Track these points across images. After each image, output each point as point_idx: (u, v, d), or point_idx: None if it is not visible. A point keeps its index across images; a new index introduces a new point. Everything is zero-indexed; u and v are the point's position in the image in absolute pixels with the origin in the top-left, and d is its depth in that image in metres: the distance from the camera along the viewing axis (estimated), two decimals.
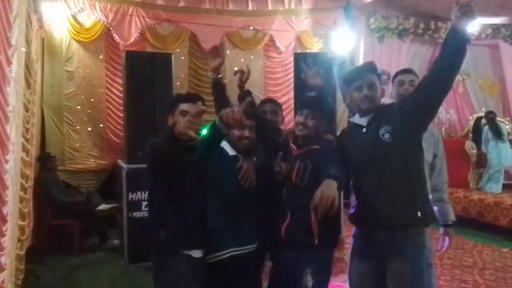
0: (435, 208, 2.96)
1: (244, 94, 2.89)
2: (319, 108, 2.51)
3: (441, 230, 3.04)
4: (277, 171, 2.47)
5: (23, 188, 3.93)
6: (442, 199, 3.00)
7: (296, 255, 2.46)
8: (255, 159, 2.60)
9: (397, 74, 3.05)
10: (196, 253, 2.39)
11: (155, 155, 2.24)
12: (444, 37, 2.20)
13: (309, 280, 2.39)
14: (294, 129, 2.59)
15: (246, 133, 2.56)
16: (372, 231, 2.34)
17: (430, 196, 2.95)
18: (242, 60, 7.29)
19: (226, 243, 2.46)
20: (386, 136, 2.28)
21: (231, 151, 2.56)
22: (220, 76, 2.80)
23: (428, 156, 2.85)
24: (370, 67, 2.44)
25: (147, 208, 4.78)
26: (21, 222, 3.79)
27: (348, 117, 2.82)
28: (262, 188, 2.56)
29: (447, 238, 3.03)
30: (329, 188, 2.08)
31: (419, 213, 2.27)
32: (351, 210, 2.46)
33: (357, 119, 2.45)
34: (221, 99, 2.76)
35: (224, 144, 2.54)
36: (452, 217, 3.00)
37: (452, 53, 2.13)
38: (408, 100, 2.36)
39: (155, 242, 2.43)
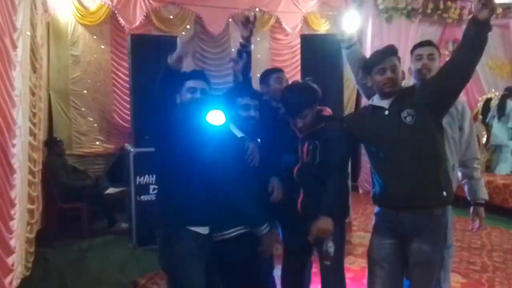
0: (465, 187, 2.95)
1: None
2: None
3: (472, 209, 2.95)
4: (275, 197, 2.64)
5: (31, 172, 3.95)
6: (472, 176, 2.94)
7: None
8: (259, 140, 2.64)
9: (415, 47, 2.96)
10: (203, 230, 2.41)
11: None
12: (465, 27, 2.24)
13: (330, 246, 2.46)
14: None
15: (252, 113, 2.58)
16: (396, 211, 2.38)
17: (460, 174, 2.97)
18: None
19: (232, 222, 2.49)
20: (408, 119, 2.32)
21: (238, 133, 2.57)
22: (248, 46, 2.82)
23: (453, 131, 2.83)
24: (392, 51, 2.45)
25: (155, 191, 4.81)
26: (30, 206, 3.83)
27: (357, 99, 2.82)
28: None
29: (477, 218, 2.93)
30: (323, 224, 2.38)
31: (444, 193, 2.33)
32: (374, 190, 2.50)
33: (378, 101, 2.47)
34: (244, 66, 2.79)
35: (232, 127, 2.57)
36: (483, 195, 2.92)
37: (473, 43, 2.19)
38: (430, 85, 2.38)
39: (162, 216, 2.46)
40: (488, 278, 4.13)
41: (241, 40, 2.84)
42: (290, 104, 2.61)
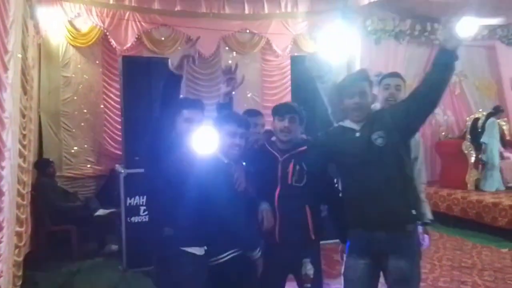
0: None
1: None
2: (297, 112, 2.67)
3: (421, 229, 3.00)
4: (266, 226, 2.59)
5: (20, 195, 3.91)
6: (421, 200, 3.01)
7: (292, 252, 2.57)
8: (244, 163, 2.64)
9: (384, 77, 3.09)
10: (199, 251, 2.44)
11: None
12: (435, 55, 2.39)
13: (309, 268, 2.49)
14: (263, 134, 2.85)
15: (237, 141, 2.57)
16: (370, 230, 2.43)
17: None
18: (238, 64, 7.29)
19: (226, 246, 2.50)
20: (379, 141, 2.39)
21: (224, 159, 2.58)
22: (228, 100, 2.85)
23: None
24: (362, 76, 2.55)
25: (145, 213, 4.78)
26: (18, 229, 3.78)
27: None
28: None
29: (426, 236, 3.02)
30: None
31: (413, 211, 2.44)
32: (347, 214, 2.54)
33: (349, 123, 2.54)
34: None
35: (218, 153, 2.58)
36: (429, 215, 3.01)
37: (441, 71, 2.33)
38: (400, 108, 2.48)
39: (158, 240, 2.45)
40: None
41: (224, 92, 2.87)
42: (282, 105, 2.71)
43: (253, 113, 3.34)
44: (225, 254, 2.50)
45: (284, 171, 2.59)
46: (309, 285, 2.53)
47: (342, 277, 2.59)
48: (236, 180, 2.54)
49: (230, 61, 7.18)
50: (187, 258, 2.39)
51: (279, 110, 2.68)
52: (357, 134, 2.47)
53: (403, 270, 2.37)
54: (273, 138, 2.74)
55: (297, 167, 2.57)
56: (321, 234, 2.70)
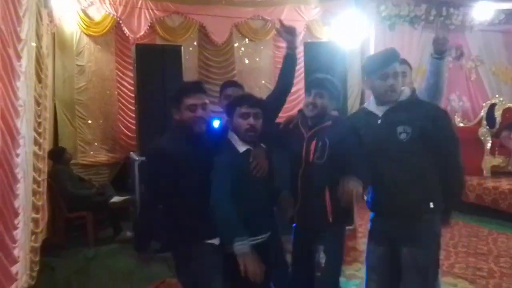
0: None
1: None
2: (326, 87, 2.56)
3: None
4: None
5: (36, 182, 3.97)
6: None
7: (310, 235, 2.55)
8: (263, 146, 2.57)
9: None
10: (216, 241, 2.43)
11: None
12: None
13: (321, 257, 2.48)
14: (297, 114, 2.68)
15: (251, 121, 2.47)
16: (388, 217, 2.45)
17: None
18: (251, 51, 7.28)
19: (243, 233, 2.45)
20: (403, 135, 2.33)
21: (240, 146, 2.51)
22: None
23: None
24: (394, 55, 2.45)
25: None
26: (34, 215, 3.84)
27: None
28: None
29: None
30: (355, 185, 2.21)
31: (431, 204, 2.37)
32: (368, 196, 2.55)
33: (373, 107, 2.48)
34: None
35: (232, 138, 2.53)
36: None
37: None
38: (435, 127, 2.36)
39: (177, 234, 2.46)
40: (495, 284, 4.09)
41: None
42: (311, 80, 2.64)
43: (228, 85, 3.22)
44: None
45: (308, 148, 2.52)
46: (319, 273, 2.51)
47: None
48: (254, 167, 2.47)
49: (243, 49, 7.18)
50: (208, 248, 2.40)
51: (308, 85, 2.65)
52: (379, 121, 2.41)
53: (417, 258, 2.36)
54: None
55: (320, 143, 2.49)
56: (342, 219, 2.61)
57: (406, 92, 2.47)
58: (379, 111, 2.43)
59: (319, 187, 2.48)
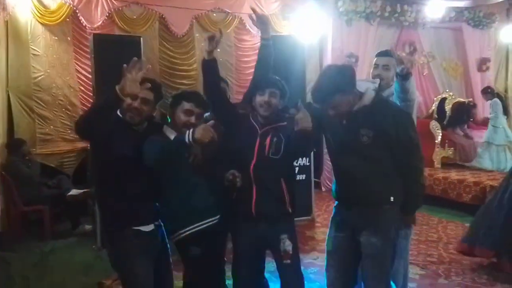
0: None
1: (219, 80, 2.89)
2: (278, 86, 2.66)
3: None
4: (231, 180, 2.56)
5: None
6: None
7: (269, 226, 2.62)
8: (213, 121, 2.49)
9: (375, 55, 3.15)
10: (146, 228, 2.48)
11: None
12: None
13: (288, 244, 2.58)
14: (247, 107, 2.74)
15: (192, 119, 2.54)
16: (350, 206, 2.54)
17: None
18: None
19: (187, 220, 2.54)
20: (365, 138, 2.40)
21: (171, 135, 2.55)
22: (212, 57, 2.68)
23: None
24: (331, 88, 2.42)
25: None
26: None
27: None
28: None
29: None
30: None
31: (392, 198, 2.47)
32: (333, 186, 2.66)
33: None
34: (214, 79, 2.73)
35: (165, 129, 2.60)
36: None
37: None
38: (397, 137, 2.42)
39: (103, 218, 2.54)
40: (445, 269, 4.32)
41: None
42: (262, 80, 2.72)
43: None
44: (184, 230, 2.53)
45: (262, 143, 2.61)
46: (288, 261, 2.61)
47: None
48: (189, 155, 2.53)
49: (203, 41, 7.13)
50: (131, 232, 2.44)
51: (260, 85, 2.68)
52: (344, 122, 2.47)
53: (374, 245, 2.44)
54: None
55: (275, 139, 2.60)
56: (296, 208, 2.72)
57: (369, 94, 2.47)
58: None
59: (275, 178, 2.61)
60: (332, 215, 2.70)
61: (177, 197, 2.54)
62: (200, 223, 2.54)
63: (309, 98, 7.05)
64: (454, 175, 6.84)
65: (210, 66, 2.64)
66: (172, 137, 2.51)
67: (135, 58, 2.24)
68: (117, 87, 2.18)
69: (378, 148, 2.41)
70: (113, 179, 2.44)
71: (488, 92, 7.89)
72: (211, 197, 2.58)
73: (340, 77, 2.37)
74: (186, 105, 2.55)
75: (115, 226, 2.47)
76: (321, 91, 2.39)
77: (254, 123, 2.67)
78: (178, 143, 2.41)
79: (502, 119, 7.60)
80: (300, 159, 5.49)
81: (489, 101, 7.75)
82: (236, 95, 6.47)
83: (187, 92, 2.80)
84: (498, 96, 7.96)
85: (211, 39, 2.60)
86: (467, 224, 5.73)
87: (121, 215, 2.44)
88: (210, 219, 2.57)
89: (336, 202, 2.68)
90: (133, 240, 2.43)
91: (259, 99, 2.63)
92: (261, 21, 2.83)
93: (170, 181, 2.54)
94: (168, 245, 2.70)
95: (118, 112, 2.43)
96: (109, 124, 2.29)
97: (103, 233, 2.56)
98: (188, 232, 2.53)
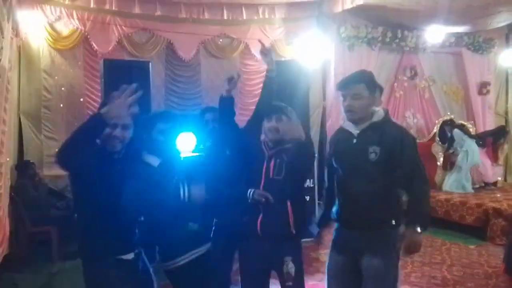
0: None
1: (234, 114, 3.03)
2: (285, 112, 2.78)
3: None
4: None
5: None
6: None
7: (273, 246, 2.67)
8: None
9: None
10: (127, 256, 2.42)
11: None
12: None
13: (291, 267, 2.61)
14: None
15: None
16: (351, 229, 2.59)
17: None
18: (217, 68, 7.43)
19: (180, 249, 2.63)
20: (372, 155, 2.50)
21: (154, 161, 2.59)
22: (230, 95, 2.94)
23: None
24: (356, 78, 2.62)
25: None
26: None
27: (321, 124, 2.99)
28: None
29: None
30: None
31: (393, 221, 2.55)
32: (335, 208, 2.70)
33: (349, 125, 2.66)
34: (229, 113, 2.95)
35: (146, 156, 2.62)
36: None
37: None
38: (397, 162, 2.53)
39: (83, 247, 2.45)
40: None
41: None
42: (268, 107, 2.84)
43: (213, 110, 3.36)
44: (180, 258, 2.61)
45: (268, 166, 2.73)
46: (290, 283, 2.65)
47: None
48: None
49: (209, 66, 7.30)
50: (112, 262, 2.36)
51: (266, 111, 2.82)
52: (354, 141, 2.58)
53: (376, 267, 2.48)
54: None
55: (278, 160, 2.71)
56: (302, 230, 2.80)
57: (380, 113, 2.63)
58: (353, 129, 2.62)
59: (281, 199, 2.67)
60: (333, 238, 2.75)
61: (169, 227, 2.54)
62: (194, 251, 2.65)
63: (312, 122, 7.26)
64: (456, 197, 6.89)
65: (227, 103, 2.90)
66: (153, 163, 2.55)
67: (124, 85, 2.17)
68: (102, 111, 2.08)
69: (383, 166, 2.50)
70: (93, 209, 2.34)
71: (448, 125, 8.14)
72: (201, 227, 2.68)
73: (368, 73, 2.68)
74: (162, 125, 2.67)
75: (96, 255, 2.38)
76: (347, 78, 2.61)
77: (264, 147, 2.81)
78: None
79: (470, 142, 7.78)
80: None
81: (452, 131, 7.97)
82: (240, 117, 6.57)
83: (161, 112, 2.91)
84: (458, 126, 8.11)
85: (230, 80, 2.85)
86: (471, 246, 5.79)
87: (102, 243, 2.35)
88: (201, 248, 2.68)
89: (337, 224, 2.73)
90: (114, 270, 2.36)
91: (267, 125, 2.78)
92: (264, 53, 2.97)
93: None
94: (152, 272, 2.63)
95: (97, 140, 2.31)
96: (91, 151, 2.14)
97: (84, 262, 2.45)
98: (184, 261, 2.63)
